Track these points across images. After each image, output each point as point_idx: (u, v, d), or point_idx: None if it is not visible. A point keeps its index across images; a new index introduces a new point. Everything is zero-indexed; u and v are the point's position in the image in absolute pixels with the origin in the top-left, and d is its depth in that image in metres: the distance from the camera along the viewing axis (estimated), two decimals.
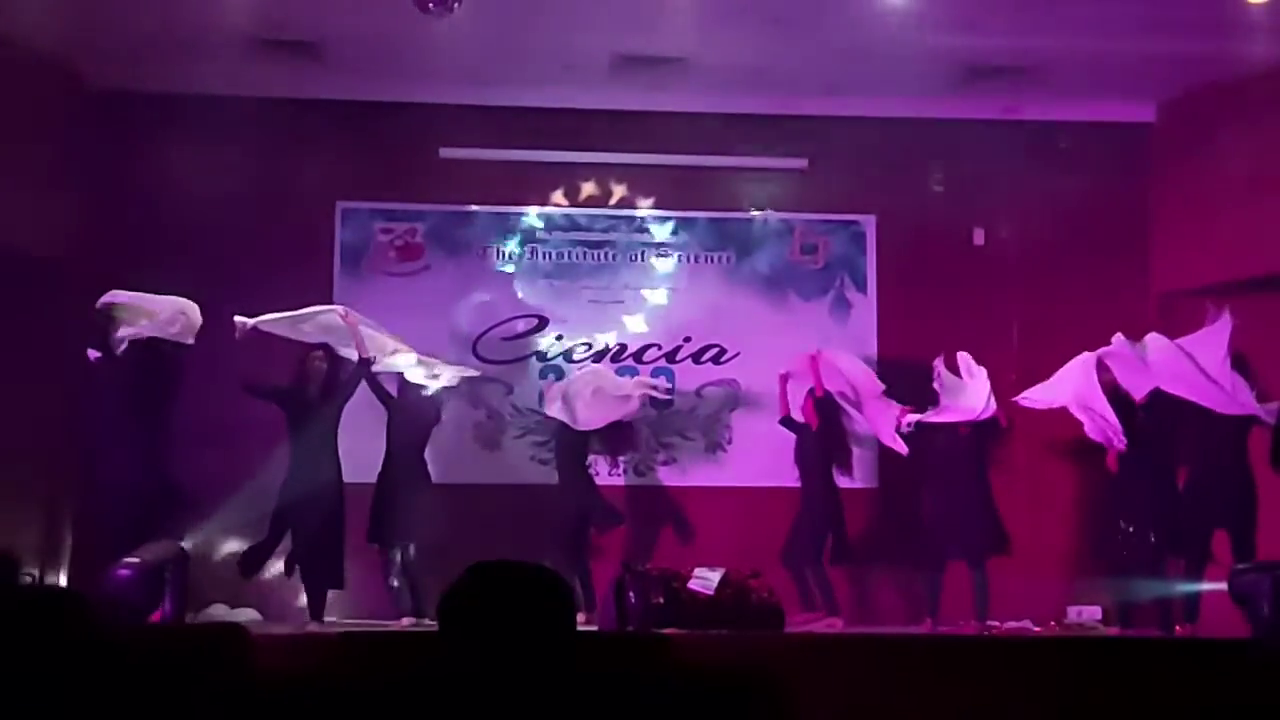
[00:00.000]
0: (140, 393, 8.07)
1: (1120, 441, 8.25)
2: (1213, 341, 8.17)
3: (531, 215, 9.87)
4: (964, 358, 8.72)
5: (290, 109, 9.26)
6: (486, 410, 9.59)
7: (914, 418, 8.77)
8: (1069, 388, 8.39)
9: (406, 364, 8.58)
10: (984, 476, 8.68)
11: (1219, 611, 7.83)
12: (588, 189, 9.86)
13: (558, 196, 9.87)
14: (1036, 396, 8.59)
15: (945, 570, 8.67)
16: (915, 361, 9.52)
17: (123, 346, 7.95)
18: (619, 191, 9.85)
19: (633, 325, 9.84)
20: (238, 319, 8.07)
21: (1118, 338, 8.39)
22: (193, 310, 8.02)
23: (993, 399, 8.57)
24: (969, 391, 8.65)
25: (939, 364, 8.81)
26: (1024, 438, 9.03)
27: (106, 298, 7.87)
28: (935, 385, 8.76)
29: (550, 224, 9.90)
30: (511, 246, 9.83)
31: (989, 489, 8.64)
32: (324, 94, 9.42)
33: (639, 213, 9.91)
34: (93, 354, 7.99)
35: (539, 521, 8.74)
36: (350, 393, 8.33)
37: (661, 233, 9.93)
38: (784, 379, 9.19)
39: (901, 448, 8.91)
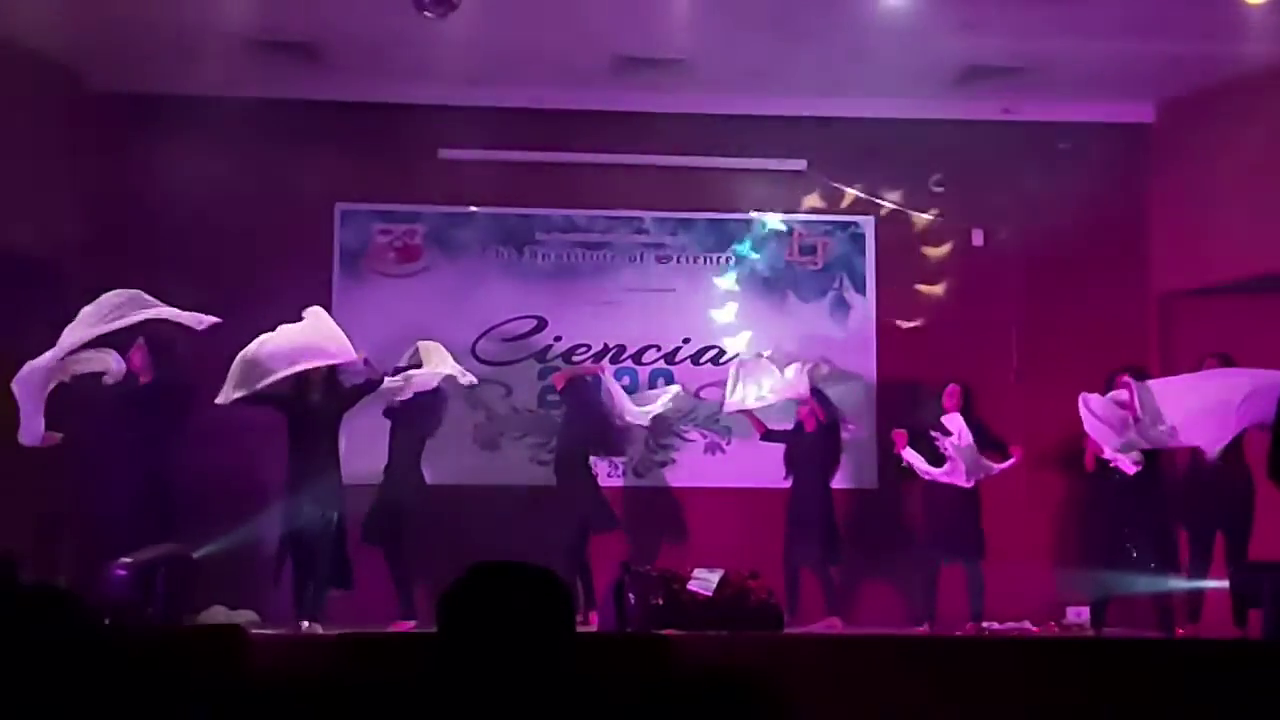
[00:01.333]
0: (148, 406, 8.11)
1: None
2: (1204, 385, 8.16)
3: (530, 216, 9.87)
4: (951, 420, 8.65)
5: (289, 110, 9.26)
6: (486, 411, 9.58)
7: (916, 462, 8.72)
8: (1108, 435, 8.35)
9: (424, 379, 8.58)
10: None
11: (1220, 611, 7.85)
12: (587, 190, 9.84)
13: (557, 197, 9.86)
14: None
15: (940, 572, 8.70)
16: (913, 362, 9.57)
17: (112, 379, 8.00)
18: (618, 192, 9.84)
19: (632, 326, 9.83)
20: (221, 399, 7.92)
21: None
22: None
23: (973, 474, 8.54)
24: (961, 457, 8.58)
25: (938, 434, 8.67)
26: (1023, 441, 9.01)
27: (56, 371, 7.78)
28: (944, 447, 8.64)
29: (549, 225, 9.90)
30: (510, 248, 9.84)
31: (977, 494, 8.65)
32: (323, 95, 9.43)
33: (638, 213, 9.91)
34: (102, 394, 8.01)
35: (538, 522, 8.75)
36: (353, 403, 8.37)
37: (660, 234, 9.94)
38: (749, 413, 9.22)
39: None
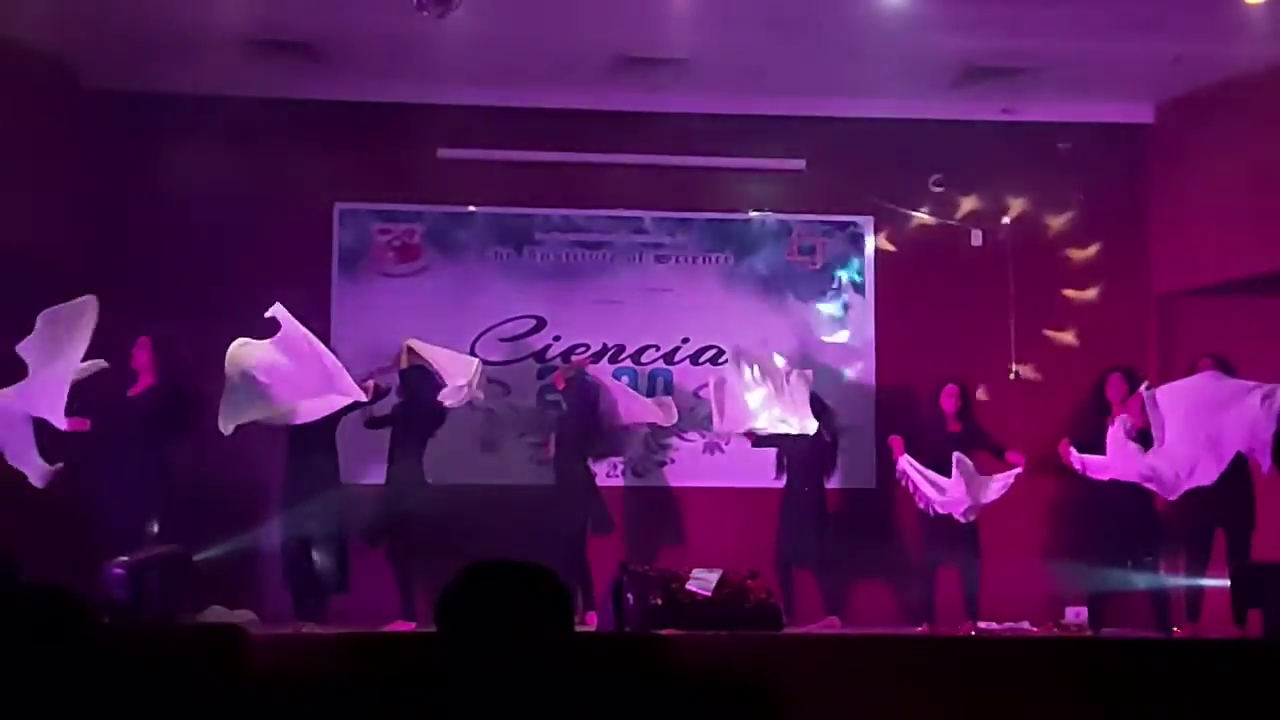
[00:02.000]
0: (151, 408, 8.11)
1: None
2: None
3: (530, 216, 9.87)
4: (959, 458, 8.57)
5: (289, 109, 9.25)
6: (485, 411, 9.57)
7: (912, 473, 8.71)
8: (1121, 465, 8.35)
9: (453, 396, 8.56)
10: None
11: (1220, 611, 7.84)
12: (586, 190, 9.84)
13: (556, 197, 9.85)
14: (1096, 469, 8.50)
15: (938, 571, 8.70)
16: (912, 362, 9.56)
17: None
18: (617, 192, 9.82)
19: (631, 326, 9.82)
20: (225, 429, 7.96)
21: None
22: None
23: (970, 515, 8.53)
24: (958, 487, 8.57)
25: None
26: (1021, 441, 9.01)
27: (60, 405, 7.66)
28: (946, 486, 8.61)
29: (548, 225, 9.89)
30: (509, 247, 9.83)
31: None
32: (322, 94, 9.42)
33: (638, 213, 9.90)
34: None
35: (537, 522, 8.75)
36: (353, 408, 8.39)
37: (660, 234, 9.93)
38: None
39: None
